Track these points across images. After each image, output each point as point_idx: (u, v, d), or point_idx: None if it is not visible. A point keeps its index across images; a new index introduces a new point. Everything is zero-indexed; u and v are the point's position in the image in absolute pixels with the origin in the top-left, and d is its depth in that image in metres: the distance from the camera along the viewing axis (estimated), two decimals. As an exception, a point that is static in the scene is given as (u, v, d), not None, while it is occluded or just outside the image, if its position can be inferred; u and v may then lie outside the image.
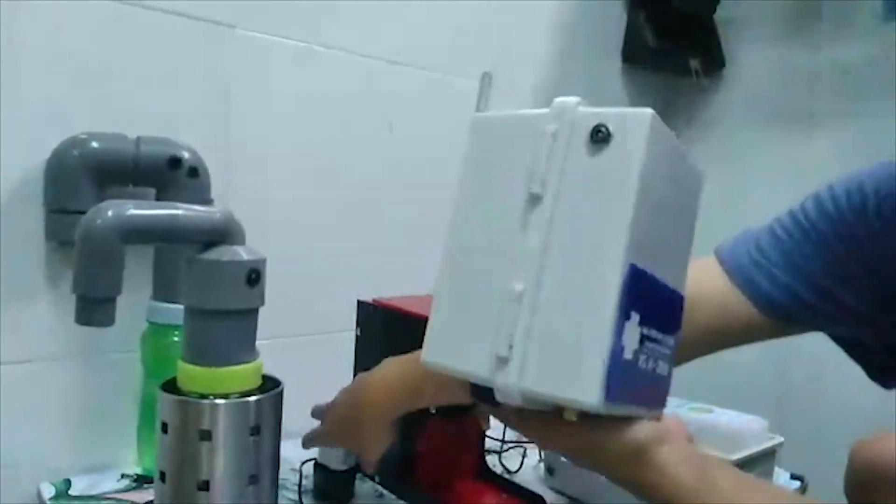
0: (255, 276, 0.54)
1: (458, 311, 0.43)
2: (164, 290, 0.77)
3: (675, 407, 0.88)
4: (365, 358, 0.82)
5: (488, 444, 0.84)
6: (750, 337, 0.64)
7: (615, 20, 1.38)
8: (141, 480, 0.78)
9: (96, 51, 0.77)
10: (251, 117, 0.89)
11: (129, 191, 0.75)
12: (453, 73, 1.09)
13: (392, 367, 0.64)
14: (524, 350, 0.40)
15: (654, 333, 0.42)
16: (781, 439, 0.87)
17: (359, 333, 0.82)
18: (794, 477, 0.92)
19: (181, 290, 0.54)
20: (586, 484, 0.79)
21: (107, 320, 0.49)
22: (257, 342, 0.56)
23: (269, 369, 0.58)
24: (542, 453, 0.85)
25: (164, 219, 0.50)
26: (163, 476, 0.54)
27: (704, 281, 0.61)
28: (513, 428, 0.49)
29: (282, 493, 0.71)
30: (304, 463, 0.77)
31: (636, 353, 0.40)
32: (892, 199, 0.56)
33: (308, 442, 0.72)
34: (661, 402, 0.47)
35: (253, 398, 0.54)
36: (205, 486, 0.53)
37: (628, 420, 0.43)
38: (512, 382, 0.40)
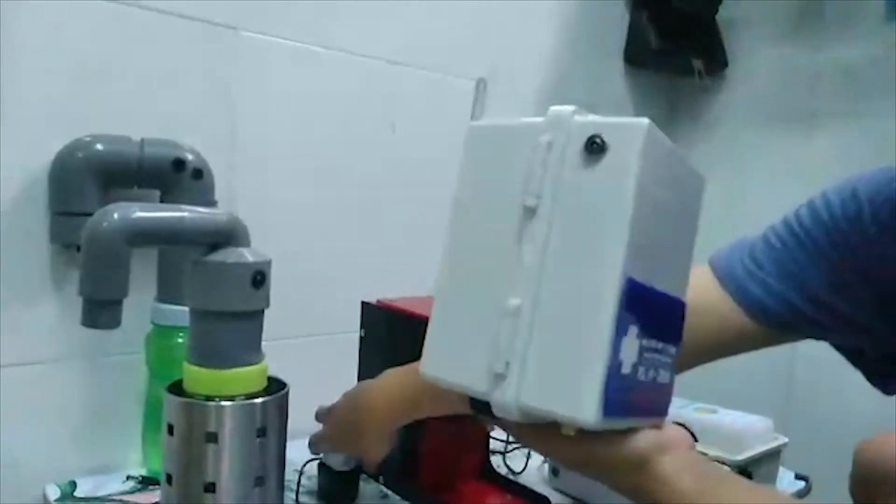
0: (260, 277, 0.54)
1: (455, 324, 0.43)
2: (168, 292, 0.77)
3: (680, 408, 0.88)
4: (369, 359, 0.82)
5: (492, 444, 0.84)
6: (745, 346, 0.63)
7: (617, 21, 1.38)
8: (146, 482, 0.78)
9: (98, 52, 0.77)
10: (253, 118, 0.89)
11: (133, 193, 0.75)
12: (455, 74, 1.09)
13: (393, 378, 0.64)
14: (521, 366, 0.39)
15: (653, 344, 0.42)
16: (786, 440, 0.86)
17: (363, 335, 0.82)
18: (798, 477, 0.92)
19: (186, 292, 0.55)
20: (591, 485, 0.78)
21: (113, 323, 0.49)
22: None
23: (273, 370, 0.58)
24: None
25: (170, 221, 0.51)
26: (169, 478, 0.54)
27: (698, 290, 0.60)
28: (514, 438, 0.49)
29: (287, 494, 0.71)
30: (307, 463, 0.77)
31: (635, 366, 0.40)
32: (888, 206, 0.56)
33: (313, 445, 0.73)
34: (663, 411, 0.46)
35: (259, 400, 0.55)
36: (211, 487, 0.53)
37: (628, 430, 0.43)
38: (509, 398, 0.39)
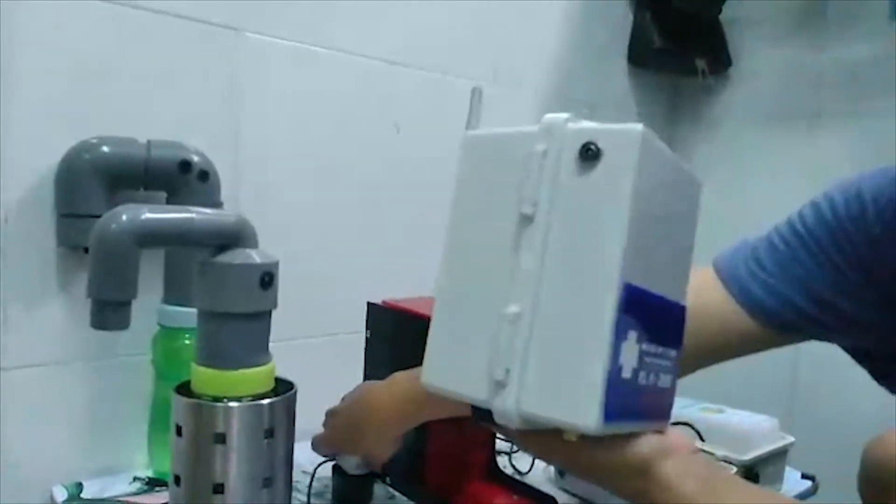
0: (268, 278, 0.54)
1: (455, 333, 0.43)
2: (175, 294, 0.77)
3: (686, 407, 0.88)
4: (375, 359, 0.82)
5: (498, 444, 0.84)
6: (749, 348, 0.63)
7: (620, 21, 1.38)
8: (152, 483, 0.78)
9: (102, 54, 0.77)
10: (256, 119, 0.89)
11: (139, 195, 0.75)
12: (457, 74, 1.09)
13: (398, 382, 0.64)
14: (521, 373, 0.39)
15: (653, 348, 0.42)
16: (792, 439, 0.86)
17: (369, 335, 0.82)
18: (804, 476, 0.92)
19: (194, 294, 0.55)
20: (596, 486, 0.78)
21: (122, 324, 0.49)
22: (265, 344, 0.57)
23: (279, 372, 0.58)
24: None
25: (178, 222, 0.51)
26: (177, 479, 0.54)
27: (701, 292, 0.60)
28: (516, 445, 0.50)
29: (295, 495, 0.71)
30: (320, 465, 0.76)
31: (635, 371, 0.40)
32: (893, 206, 0.55)
33: (315, 446, 0.72)
34: (665, 415, 0.46)
35: (267, 401, 0.55)
36: (219, 489, 0.53)
37: (630, 435, 0.43)
38: (510, 406, 0.40)
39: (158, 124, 0.79)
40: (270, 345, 0.57)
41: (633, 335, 0.39)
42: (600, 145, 0.39)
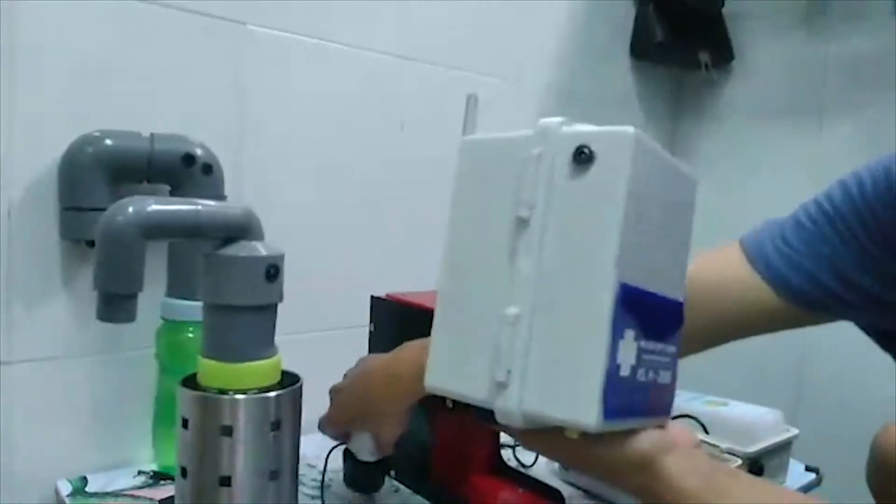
0: (273, 271, 0.54)
1: (456, 335, 0.44)
2: (178, 287, 0.77)
3: (690, 400, 0.88)
4: (379, 352, 0.82)
5: (503, 438, 0.84)
6: (772, 325, 0.63)
7: (623, 15, 1.38)
8: (157, 477, 0.78)
9: (105, 48, 0.76)
10: (261, 114, 0.89)
11: (143, 188, 0.75)
12: (462, 70, 1.09)
13: (410, 352, 0.63)
14: (522, 374, 0.40)
15: (651, 345, 0.43)
16: (796, 431, 0.86)
17: (372, 328, 0.82)
18: (808, 469, 0.92)
19: (200, 286, 0.54)
20: (601, 478, 0.79)
21: (128, 317, 0.49)
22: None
23: (284, 365, 0.58)
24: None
25: (185, 214, 0.50)
26: (184, 472, 0.54)
27: (727, 268, 0.61)
28: (520, 443, 0.50)
29: (300, 489, 0.71)
30: (331, 451, 0.74)
31: (634, 369, 0.41)
32: None
33: (322, 426, 0.70)
34: (666, 410, 0.47)
35: (273, 393, 0.54)
36: (226, 481, 0.53)
37: (631, 431, 0.43)
38: (512, 405, 0.41)
39: (162, 118, 0.78)
40: (276, 338, 0.57)
41: (630, 334, 0.40)
42: (593, 148, 0.40)
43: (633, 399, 0.41)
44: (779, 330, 0.64)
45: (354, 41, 0.97)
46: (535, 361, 0.40)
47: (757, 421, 0.84)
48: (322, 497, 0.74)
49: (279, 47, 0.90)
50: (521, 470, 0.82)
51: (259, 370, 0.55)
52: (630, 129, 0.39)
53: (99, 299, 0.49)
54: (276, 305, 0.56)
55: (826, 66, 1.30)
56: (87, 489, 0.75)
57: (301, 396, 0.57)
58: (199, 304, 0.69)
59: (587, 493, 0.81)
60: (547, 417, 0.40)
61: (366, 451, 0.70)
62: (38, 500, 0.76)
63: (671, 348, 0.46)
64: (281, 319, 0.57)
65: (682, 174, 0.47)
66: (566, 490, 0.77)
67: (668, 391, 0.46)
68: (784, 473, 0.87)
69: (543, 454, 0.50)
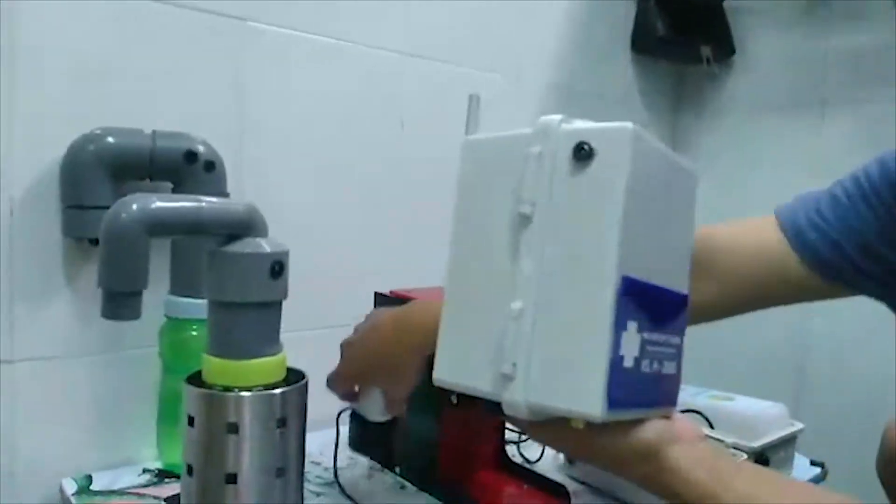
0: (278, 268, 0.54)
1: (463, 331, 0.45)
2: (181, 285, 0.77)
3: (695, 395, 0.88)
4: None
5: (507, 434, 0.84)
6: (797, 296, 0.64)
7: (624, 10, 1.37)
8: (162, 475, 0.78)
9: (107, 46, 0.76)
10: (262, 111, 0.89)
11: (145, 185, 0.75)
12: (462, 67, 1.09)
13: (423, 304, 0.62)
14: (527, 366, 0.41)
15: (655, 337, 0.43)
16: (801, 426, 0.86)
17: (376, 325, 0.82)
18: (813, 463, 0.92)
19: (204, 283, 0.54)
20: (605, 473, 0.78)
21: (133, 314, 0.49)
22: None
23: (289, 362, 0.58)
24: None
25: (189, 211, 0.50)
26: (190, 469, 0.54)
27: (759, 236, 0.63)
28: (526, 434, 0.51)
29: (305, 485, 0.71)
30: (341, 412, 0.72)
31: (637, 360, 0.42)
32: None
33: (331, 382, 0.68)
34: (671, 401, 0.48)
35: (278, 390, 0.54)
36: (232, 479, 0.53)
37: (636, 421, 0.44)
38: (518, 397, 0.41)
39: (163, 116, 0.78)
40: (280, 335, 0.57)
41: (633, 325, 0.41)
42: (593, 145, 0.41)
43: (638, 390, 0.42)
44: (803, 301, 0.65)
45: (356, 38, 0.97)
46: (540, 354, 0.41)
47: (762, 415, 0.84)
48: (337, 480, 0.73)
49: (280, 44, 0.90)
50: (526, 466, 0.83)
51: (264, 367, 0.54)
52: (629, 124, 0.40)
53: (103, 297, 0.49)
54: (280, 302, 0.55)
55: (827, 61, 1.30)
56: (91, 487, 0.75)
57: (306, 393, 0.57)
58: (203, 301, 0.69)
59: (592, 488, 0.80)
60: (552, 408, 0.41)
61: (375, 410, 0.68)
62: (43, 498, 0.75)
63: (676, 340, 0.46)
64: (285, 316, 0.57)
65: (683, 168, 0.47)
66: (571, 485, 0.77)
67: (674, 382, 0.47)
68: (789, 468, 0.87)
69: (549, 445, 0.50)
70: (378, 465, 0.83)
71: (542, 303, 0.41)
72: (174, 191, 0.76)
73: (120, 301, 0.48)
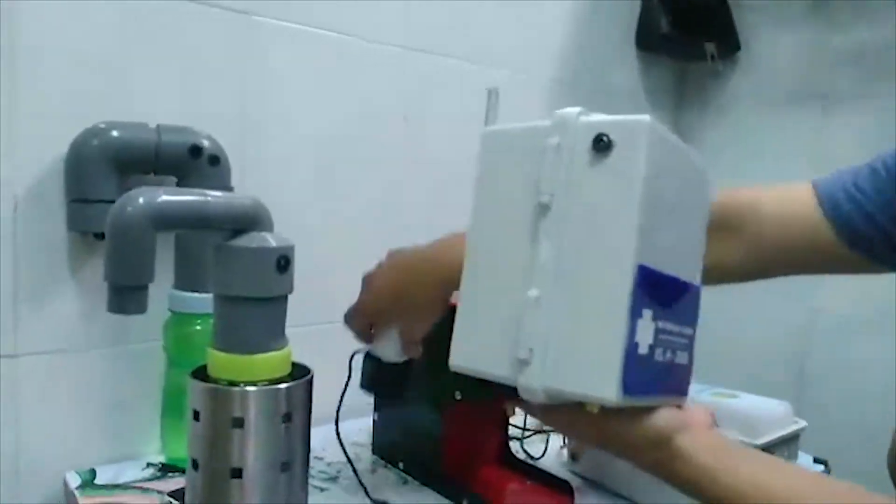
0: (284, 262, 0.54)
1: (480, 317, 0.46)
2: (185, 280, 0.77)
3: (697, 392, 0.88)
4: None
5: (511, 430, 0.84)
6: (827, 266, 0.64)
7: (629, 6, 1.37)
8: (165, 469, 0.78)
9: (112, 40, 0.76)
10: (266, 105, 0.89)
11: (149, 179, 0.75)
12: (470, 63, 1.08)
13: (446, 242, 0.62)
14: (544, 351, 0.42)
15: (669, 326, 0.44)
16: (805, 423, 0.86)
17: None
18: (817, 461, 0.92)
19: (210, 278, 0.54)
20: (609, 468, 0.79)
21: (139, 308, 0.49)
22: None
23: (294, 357, 0.58)
24: (566, 439, 0.85)
25: (195, 205, 0.50)
26: (195, 464, 0.54)
27: (794, 202, 0.63)
28: (540, 420, 0.51)
29: (309, 481, 0.71)
30: (355, 354, 0.72)
31: (652, 348, 0.43)
32: None
33: (349, 317, 0.68)
34: (683, 390, 0.49)
35: (284, 385, 0.54)
36: (237, 473, 0.53)
37: (649, 409, 0.44)
38: (534, 382, 0.42)
39: (166, 110, 0.78)
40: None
41: (647, 314, 0.42)
42: (611, 136, 0.42)
43: (651, 377, 0.43)
44: (829, 272, 0.65)
45: (360, 33, 0.97)
46: (557, 340, 0.42)
47: (765, 413, 0.84)
48: (338, 432, 0.72)
49: (284, 39, 0.89)
50: (530, 462, 0.82)
51: (270, 362, 0.54)
52: (646, 117, 0.41)
53: (109, 291, 0.49)
54: (286, 297, 0.55)
55: (831, 57, 1.30)
56: (95, 481, 0.75)
57: (312, 388, 0.57)
58: (207, 296, 0.69)
59: (595, 484, 0.80)
60: (568, 393, 0.42)
61: (391, 350, 0.67)
62: (46, 492, 0.76)
63: (688, 330, 0.47)
64: (289, 311, 0.57)
65: (696, 162, 0.48)
66: (574, 481, 0.77)
67: (686, 372, 0.48)
68: (797, 464, 0.87)
69: (563, 431, 0.51)
70: (382, 461, 0.83)
71: (560, 290, 0.42)
72: (178, 185, 0.76)
73: (126, 295, 0.48)
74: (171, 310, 0.77)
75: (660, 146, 0.42)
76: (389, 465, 0.82)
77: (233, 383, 0.53)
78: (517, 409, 0.74)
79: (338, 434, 0.72)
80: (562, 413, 0.46)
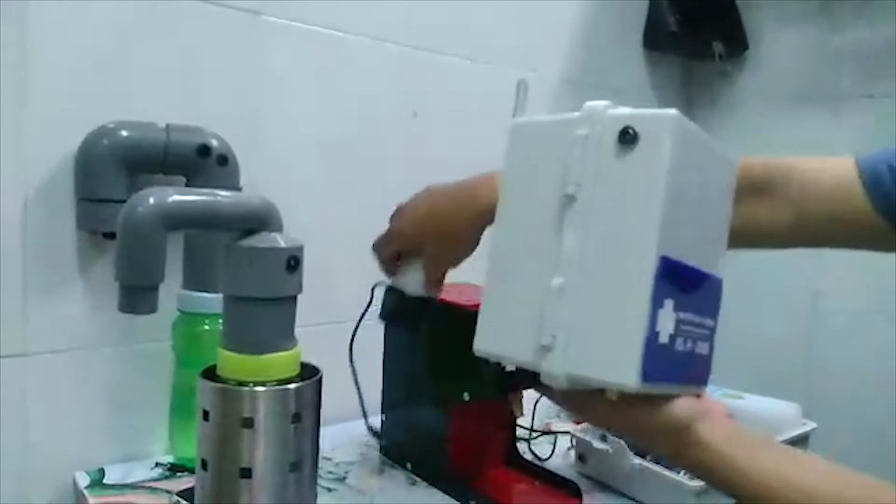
0: (293, 262, 0.54)
1: (505, 304, 0.47)
2: (194, 279, 0.77)
3: (707, 393, 0.88)
4: (394, 344, 0.82)
5: (518, 431, 0.84)
6: (865, 242, 0.64)
7: (637, 6, 1.36)
8: (174, 469, 0.78)
9: (121, 40, 0.76)
10: (275, 105, 0.89)
11: (158, 179, 0.75)
12: (478, 62, 1.08)
13: (484, 176, 0.62)
14: (566, 338, 0.43)
15: (690, 317, 0.45)
16: (814, 425, 0.86)
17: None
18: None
19: (220, 278, 0.54)
20: (617, 471, 0.78)
21: (150, 308, 0.49)
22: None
23: (302, 357, 0.58)
24: (573, 441, 0.85)
25: (205, 205, 0.50)
26: (204, 464, 0.54)
27: (837, 174, 0.62)
28: (560, 407, 0.53)
29: (318, 481, 0.71)
30: (376, 286, 0.73)
31: (672, 337, 0.43)
32: None
33: (378, 244, 0.68)
34: (702, 380, 0.49)
35: (293, 385, 0.54)
36: (247, 473, 0.53)
37: (667, 397, 0.45)
38: (556, 368, 0.43)
39: (174, 111, 0.78)
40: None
41: (669, 304, 0.42)
42: (637, 129, 0.42)
43: (671, 365, 0.44)
44: (867, 248, 0.64)
45: (369, 33, 0.96)
46: (580, 327, 0.43)
47: (774, 414, 0.84)
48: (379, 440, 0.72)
49: (294, 38, 0.89)
50: (537, 463, 0.82)
51: (279, 362, 0.54)
52: (672, 111, 0.42)
53: (120, 291, 0.49)
54: (295, 297, 0.55)
55: (840, 54, 1.29)
56: (104, 481, 0.75)
57: (321, 389, 0.57)
58: (216, 296, 0.69)
59: (603, 485, 0.80)
60: (589, 379, 0.43)
61: (415, 282, 0.67)
62: (55, 491, 0.76)
63: (710, 321, 0.48)
64: (299, 311, 0.57)
65: (722, 156, 0.49)
66: (581, 483, 0.77)
67: (706, 363, 0.49)
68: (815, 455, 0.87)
69: (582, 417, 0.52)
70: (389, 461, 0.83)
71: (584, 279, 0.43)
72: (187, 185, 0.76)
73: (137, 295, 0.49)
74: (180, 309, 0.77)
75: (685, 140, 0.43)
76: (397, 466, 0.82)
77: (242, 383, 0.53)
78: (524, 410, 0.75)
79: (351, 360, 0.75)
80: (582, 399, 0.47)
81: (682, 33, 1.35)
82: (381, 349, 0.82)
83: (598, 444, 0.80)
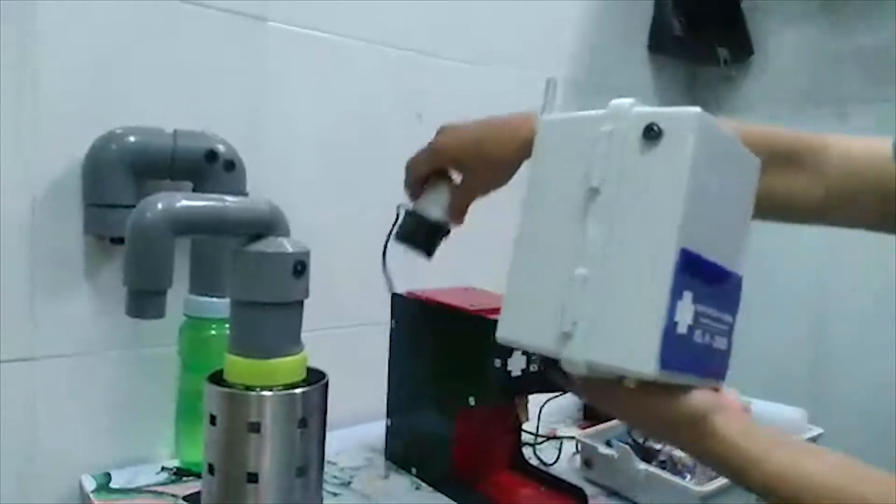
0: (300, 267, 0.54)
1: (528, 293, 0.49)
2: (201, 284, 0.77)
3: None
4: (399, 349, 0.82)
5: (524, 436, 0.84)
6: (892, 225, 0.62)
7: (642, 9, 1.37)
8: (180, 474, 0.78)
9: (128, 45, 0.76)
10: (281, 111, 0.89)
11: (166, 184, 0.75)
12: (481, 66, 1.08)
13: (525, 118, 0.61)
14: (587, 326, 0.44)
15: (709, 311, 0.46)
16: (821, 430, 0.86)
17: (393, 325, 0.82)
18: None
19: (228, 283, 0.54)
20: (623, 476, 0.78)
21: (158, 313, 0.49)
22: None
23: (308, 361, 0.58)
24: (579, 446, 0.85)
25: (213, 210, 0.50)
26: (211, 468, 0.54)
27: (872, 152, 0.62)
28: (579, 395, 0.54)
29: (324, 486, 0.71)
30: (400, 206, 0.72)
31: (691, 329, 0.44)
32: None
33: (414, 160, 0.68)
34: (720, 374, 0.50)
35: (300, 390, 0.54)
36: (253, 478, 0.53)
37: (685, 388, 0.46)
38: (577, 355, 0.45)
39: (180, 116, 0.78)
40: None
41: (688, 296, 0.43)
42: (662, 126, 0.44)
43: (689, 356, 0.45)
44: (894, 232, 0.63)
45: (375, 37, 0.97)
46: (600, 316, 0.44)
47: (780, 420, 0.83)
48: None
49: (300, 43, 0.90)
50: (543, 468, 0.82)
51: (286, 367, 0.55)
52: (696, 108, 0.43)
53: (128, 296, 0.49)
54: (302, 302, 0.56)
55: (846, 58, 1.29)
56: (111, 485, 0.75)
57: (327, 393, 0.57)
58: (222, 300, 0.69)
59: (609, 491, 0.80)
60: (608, 366, 0.44)
61: (438, 206, 0.67)
62: (62, 495, 0.76)
63: (728, 317, 0.49)
64: (305, 316, 0.57)
65: (744, 154, 0.50)
66: (587, 489, 0.77)
67: (723, 357, 0.49)
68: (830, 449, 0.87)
69: (601, 406, 0.52)
70: (394, 466, 0.83)
71: (606, 269, 0.44)
72: (194, 190, 0.76)
73: (145, 300, 0.49)
74: (187, 314, 0.78)
75: (708, 137, 0.44)
76: (402, 471, 0.82)
77: (249, 388, 0.53)
78: (529, 415, 0.75)
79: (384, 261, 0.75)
80: (601, 387, 0.47)
81: (687, 38, 1.35)
82: (387, 354, 0.83)
83: (603, 450, 0.80)
